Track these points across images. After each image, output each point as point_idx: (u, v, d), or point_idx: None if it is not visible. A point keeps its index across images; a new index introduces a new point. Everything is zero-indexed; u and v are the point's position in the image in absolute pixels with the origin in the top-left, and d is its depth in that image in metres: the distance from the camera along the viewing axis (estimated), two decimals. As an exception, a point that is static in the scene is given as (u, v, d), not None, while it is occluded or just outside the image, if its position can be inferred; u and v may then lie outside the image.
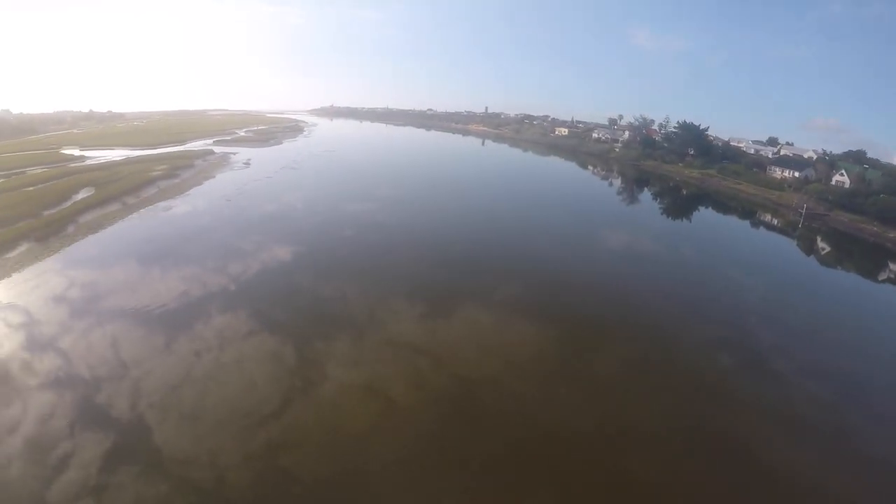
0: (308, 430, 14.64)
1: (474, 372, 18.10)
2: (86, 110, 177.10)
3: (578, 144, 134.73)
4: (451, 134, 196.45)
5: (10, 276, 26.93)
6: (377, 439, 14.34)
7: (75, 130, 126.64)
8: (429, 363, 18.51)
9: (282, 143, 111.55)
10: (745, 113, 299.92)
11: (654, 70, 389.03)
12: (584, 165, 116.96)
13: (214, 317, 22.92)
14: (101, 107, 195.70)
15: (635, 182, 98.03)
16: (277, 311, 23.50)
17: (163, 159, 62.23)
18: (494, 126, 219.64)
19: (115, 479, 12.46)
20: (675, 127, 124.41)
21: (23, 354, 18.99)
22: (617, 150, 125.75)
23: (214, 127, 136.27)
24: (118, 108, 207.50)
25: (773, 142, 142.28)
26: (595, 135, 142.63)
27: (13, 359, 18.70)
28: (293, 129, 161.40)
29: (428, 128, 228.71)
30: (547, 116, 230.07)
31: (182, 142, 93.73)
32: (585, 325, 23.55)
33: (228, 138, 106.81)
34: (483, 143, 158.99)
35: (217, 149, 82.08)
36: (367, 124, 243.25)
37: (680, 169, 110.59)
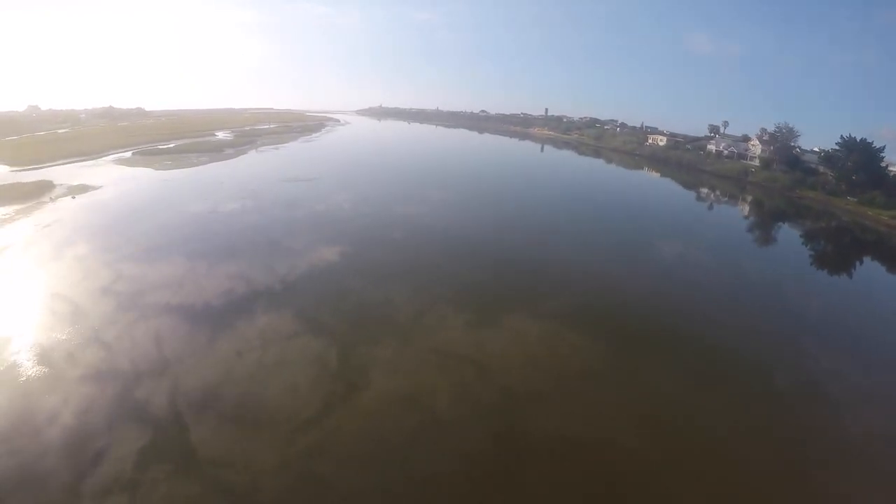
0: (348, 439, 13.16)
1: (521, 386, 16.16)
2: (105, 106, 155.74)
3: (697, 160, 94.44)
4: (510, 138, 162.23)
5: None
6: (419, 453, 12.90)
7: (60, 130, 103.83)
8: (475, 374, 16.59)
9: (247, 153, 71.36)
10: (805, 121, 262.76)
11: (712, 75, 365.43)
12: (693, 188, 77.13)
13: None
14: (142, 104, 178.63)
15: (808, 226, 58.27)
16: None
17: None
18: (562, 130, 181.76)
19: (148, 476, 11.51)
20: (836, 145, 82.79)
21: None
22: (752, 170, 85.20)
23: (191, 128, 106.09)
24: (160, 106, 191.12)
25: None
26: (711, 146, 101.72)
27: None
28: (305, 129, 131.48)
29: (481, 130, 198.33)
30: (615, 121, 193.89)
31: (99, 153, 61.91)
32: (635, 341, 20.17)
33: (170, 146, 71.81)
34: (542, 149, 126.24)
35: (78, 173, 47.15)
36: (415, 126, 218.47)
37: (857, 207, 69.14)
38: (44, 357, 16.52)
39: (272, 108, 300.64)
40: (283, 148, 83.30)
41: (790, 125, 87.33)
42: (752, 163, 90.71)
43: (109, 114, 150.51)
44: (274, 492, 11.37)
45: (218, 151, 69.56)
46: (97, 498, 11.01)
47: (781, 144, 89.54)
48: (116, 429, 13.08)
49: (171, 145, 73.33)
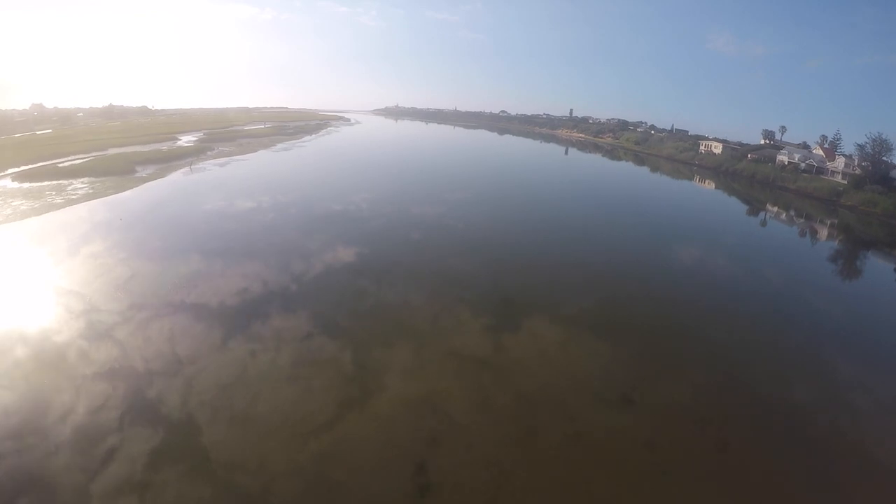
0: (362, 444, 12.74)
1: (540, 392, 15.58)
2: (105, 105, 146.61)
3: (774, 175, 78.23)
4: (535, 140, 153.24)
5: None
6: (435, 460, 12.42)
7: (39, 132, 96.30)
8: (492, 379, 16.05)
9: (167, 175, 49.84)
10: (825, 124, 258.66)
11: (735, 76, 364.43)
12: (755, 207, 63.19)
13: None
14: (150, 102, 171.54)
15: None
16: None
17: None
18: (592, 133, 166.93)
19: (159, 477, 11.25)
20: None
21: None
22: (840, 189, 68.61)
23: (159, 131, 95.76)
24: (174, 104, 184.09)
25: None
26: (782, 157, 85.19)
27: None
28: (300, 130, 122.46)
29: (502, 132, 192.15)
30: (644, 123, 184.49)
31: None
32: (655, 348, 19.41)
33: (75, 162, 53.27)
34: (566, 153, 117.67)
35: None
36: (432, 126, 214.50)
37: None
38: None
39: (287, 108, 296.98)
40: (238, 161, 63.90)
41: (883, 135, 70.57)
42: (835, 179, 73.99)
43: (108, 112, 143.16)
44: (286, 496, 11.08)
45: (125, 174, 48.92)
46: (107, 499, 10.78)
47: (874, 159, 72.74)
48: (128, 428, 12.63)
49: (78, 161, 54.18)
